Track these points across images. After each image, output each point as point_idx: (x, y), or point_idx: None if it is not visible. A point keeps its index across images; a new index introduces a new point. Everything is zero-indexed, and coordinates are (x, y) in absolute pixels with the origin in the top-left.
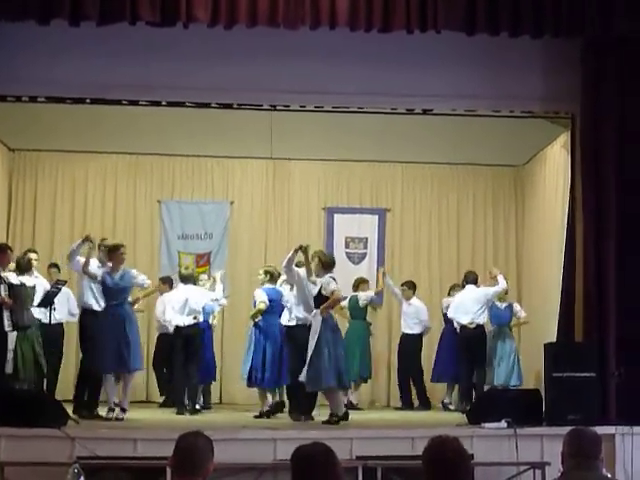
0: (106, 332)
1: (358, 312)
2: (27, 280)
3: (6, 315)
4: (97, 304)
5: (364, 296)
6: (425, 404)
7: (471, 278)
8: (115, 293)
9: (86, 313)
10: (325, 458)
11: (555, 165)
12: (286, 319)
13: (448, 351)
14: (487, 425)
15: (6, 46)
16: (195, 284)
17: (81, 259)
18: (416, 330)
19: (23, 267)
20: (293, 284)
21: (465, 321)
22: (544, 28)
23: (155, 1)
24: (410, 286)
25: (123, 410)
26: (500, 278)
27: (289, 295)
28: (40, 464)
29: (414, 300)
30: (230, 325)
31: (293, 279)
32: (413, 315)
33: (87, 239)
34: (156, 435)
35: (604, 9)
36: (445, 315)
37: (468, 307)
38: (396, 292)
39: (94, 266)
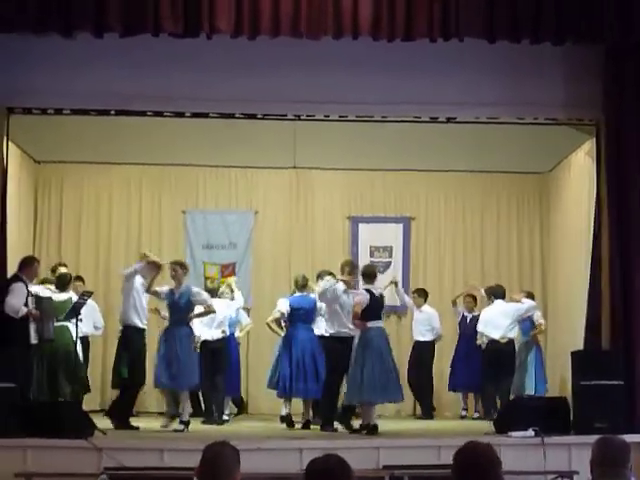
0: (161, 348)
1: None
2: (61, 295)
3: (32, 327)
4: (141, 322)
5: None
6: (428, 413)
7: (500, 293)
8: (174, 311)
9: (129, 329)
10: (340, 471)
11: (580, 172)
12: (319, 329)
13: (465, 360)
14: (514, 434)
15: (30, 59)
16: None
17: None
18: (428, 337)
19: (64, 283)
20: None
21: (496, 336)
22: (565, 35)
23: (178, 12)
24: (421, 294)
25: (183, 423)
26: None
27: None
28: (67, 475)
29: (425, 307)
30: (255, 335)
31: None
32: (425, 322)
33: (156, 263)
34: (182, 445)
35: (623, 15)
36: (460, 324)
37: (499, 322)
38: (406, 301)
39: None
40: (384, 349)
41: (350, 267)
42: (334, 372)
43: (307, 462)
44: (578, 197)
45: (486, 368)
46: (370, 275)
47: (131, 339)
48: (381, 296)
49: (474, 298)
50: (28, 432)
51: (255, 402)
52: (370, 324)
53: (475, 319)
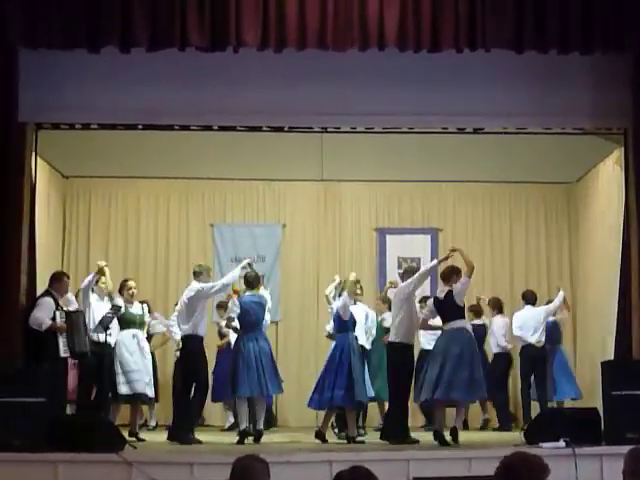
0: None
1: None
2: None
3: (62, 341)
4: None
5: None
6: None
7: (532, 298)
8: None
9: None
10: None
11: (609, 181)
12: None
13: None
14: (545, 445)
15: (58, 75)
16: None
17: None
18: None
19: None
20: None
21: (533, 340)
22: (593, 44)
23: (204, 26)
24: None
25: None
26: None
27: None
28: None
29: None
30: (283, 347)
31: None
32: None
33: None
34: (212, 459)
35: None
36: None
37: (533, 326)
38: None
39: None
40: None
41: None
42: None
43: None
44: (607, 206)
45: (526, 373)
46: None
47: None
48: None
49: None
50: (58, 447)
51: (283, 415)
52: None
53: (481, 328)
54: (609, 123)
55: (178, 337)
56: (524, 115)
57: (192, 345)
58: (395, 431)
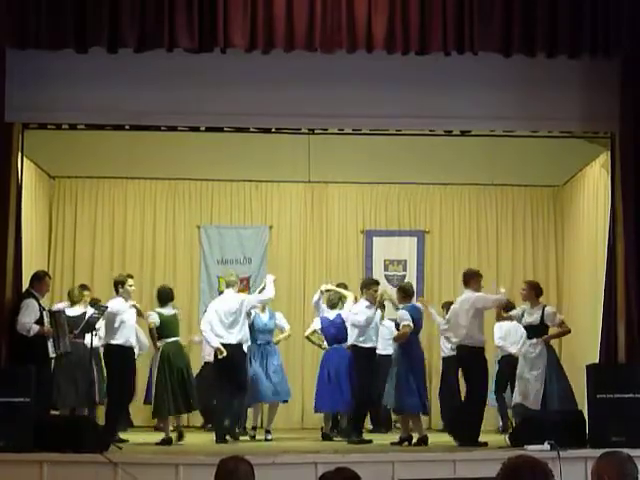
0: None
1: None
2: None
3: (50, 342)
4: None
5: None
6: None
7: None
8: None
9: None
10: None
11: (595, 185)
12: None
13: None
14: (530, 447)
15: (45, 75)
16: None
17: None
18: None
19: (74, 299)
20: None
21: (514, 350)
22: (580, 48)
23: (193, 27)
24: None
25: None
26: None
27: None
28: None
29: None
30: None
31: None
32: None
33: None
34: (198, 460)
35: (638, 27)
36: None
37: (514, 337)
38: (436, 318)
39: None
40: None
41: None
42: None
43: None
44: (593, 210)
45: (498, 381)
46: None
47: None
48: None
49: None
50: (44, 447)
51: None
52: None
53: None
54: (596, 127)
55: (215, 344)
56: (511, 118)
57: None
58: (466, 432)
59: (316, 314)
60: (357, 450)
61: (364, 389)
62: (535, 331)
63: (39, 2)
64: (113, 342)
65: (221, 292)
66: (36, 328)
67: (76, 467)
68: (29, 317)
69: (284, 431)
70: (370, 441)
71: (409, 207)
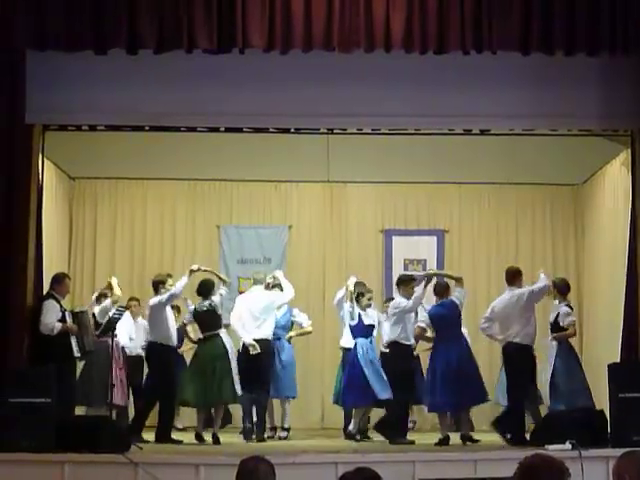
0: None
1: None
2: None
3: (73, 341)
4: None
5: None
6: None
7: None
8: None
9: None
10: None
11: (615, 183)
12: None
13: None
14: (551, 447)
15: (65, 76)
16: None
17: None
18: None
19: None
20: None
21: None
22: (599, 46)
23: (211, 28)
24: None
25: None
26: None
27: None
28: None
29: None
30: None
31: None
32: None
33: None
34: (218, 460)
35: None
36: None
37: None
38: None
39: None
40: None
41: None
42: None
43: None
44: (613, 208)
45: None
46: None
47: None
48: None
49: None
50: (65, 447)
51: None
52: None
53: None
54: (616, 125)
55: (248, 340)
56: (530, 116)
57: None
58: (511, 429)
59: (340, 315)
60: (377, 450)
61: (407, 388)
62: (552, 328)
63: (58, 4)
64: (155, 340)
65: (241, 292)
66: (59, 326)
67: (97, 467)
68: (51, 317)
69: (303, 431)
70: (413, 442)
71: (428, 206)
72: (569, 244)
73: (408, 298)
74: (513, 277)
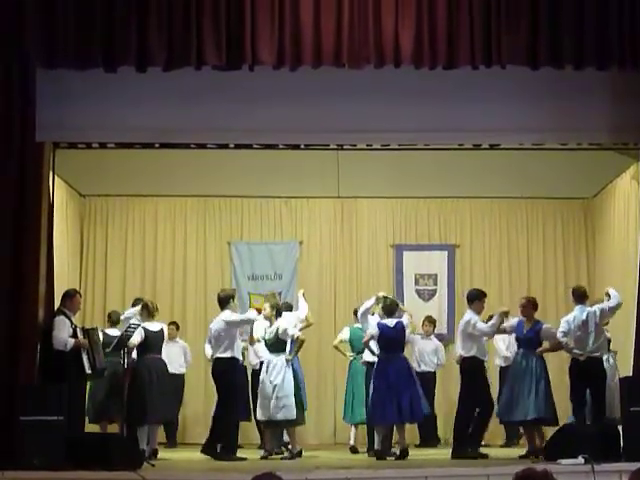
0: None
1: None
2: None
3: (85, 358)
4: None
5: None
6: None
7: None
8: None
9: None
10: None
11: (626, 197)
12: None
13: None
14: (564, 461)
15: (75, 94)
16: None
17: None
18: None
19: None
20: None
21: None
22: (608, 60)
23: (221, 45)
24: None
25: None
26: None
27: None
28: None
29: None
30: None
31: None
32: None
33: None
34: (231, 478)
35: None
36: None
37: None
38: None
39: None
40: None
41: None
42: None
43: None
44: (624, 222)
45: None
46: None
47: None
48: None
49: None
50: (77, 464)
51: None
52: None
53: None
54: (626, 138)
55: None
56: (540, 131)
57: None
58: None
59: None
60: (390, 465)
61: (488, 402)
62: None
63: (68, 23)
64: (223, 356)
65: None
66: (72, 342)
67: None
68: (64, 332)
69: (316, 447)
70: (486, 455)
71: (439, 221)
72: (580, 257)
73: (480, 313)
74: (582, 295)
